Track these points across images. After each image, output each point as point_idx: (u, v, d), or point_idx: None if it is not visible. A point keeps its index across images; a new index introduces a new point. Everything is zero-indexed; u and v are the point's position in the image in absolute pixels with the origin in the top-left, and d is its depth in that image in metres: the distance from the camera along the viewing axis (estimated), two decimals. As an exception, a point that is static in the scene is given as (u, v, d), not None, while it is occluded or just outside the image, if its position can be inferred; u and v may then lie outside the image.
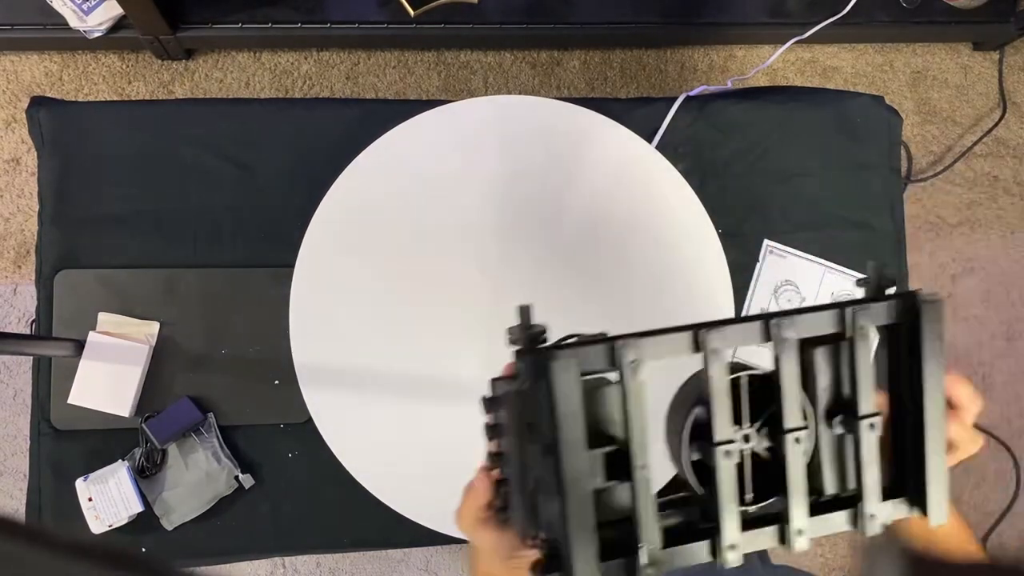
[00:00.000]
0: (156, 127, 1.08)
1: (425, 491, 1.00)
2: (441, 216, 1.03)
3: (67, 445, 1.02)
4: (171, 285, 1.05)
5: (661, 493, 0.55)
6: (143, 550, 1.02)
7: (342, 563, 1.52)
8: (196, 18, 1.49)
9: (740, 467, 0.52)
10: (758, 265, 1.12)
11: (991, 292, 1.67)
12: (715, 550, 0.52)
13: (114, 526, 1.00)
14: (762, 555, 0.93)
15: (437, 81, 1.64)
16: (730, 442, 0.51)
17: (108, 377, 1.01)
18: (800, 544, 0.53)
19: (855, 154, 1.14)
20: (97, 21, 1.44)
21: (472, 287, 1.01)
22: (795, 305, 1.11)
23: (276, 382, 1.04)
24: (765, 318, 0.53)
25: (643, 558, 0.51)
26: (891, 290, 0.61)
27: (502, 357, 0.58)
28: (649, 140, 1.10)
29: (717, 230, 1.06)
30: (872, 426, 0.54)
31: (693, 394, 0.53)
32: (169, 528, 1.01)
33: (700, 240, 1.04)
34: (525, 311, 0.54)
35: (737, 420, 0.52)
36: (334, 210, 1.01)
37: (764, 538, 0.53)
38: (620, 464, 0.51)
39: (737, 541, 0.52)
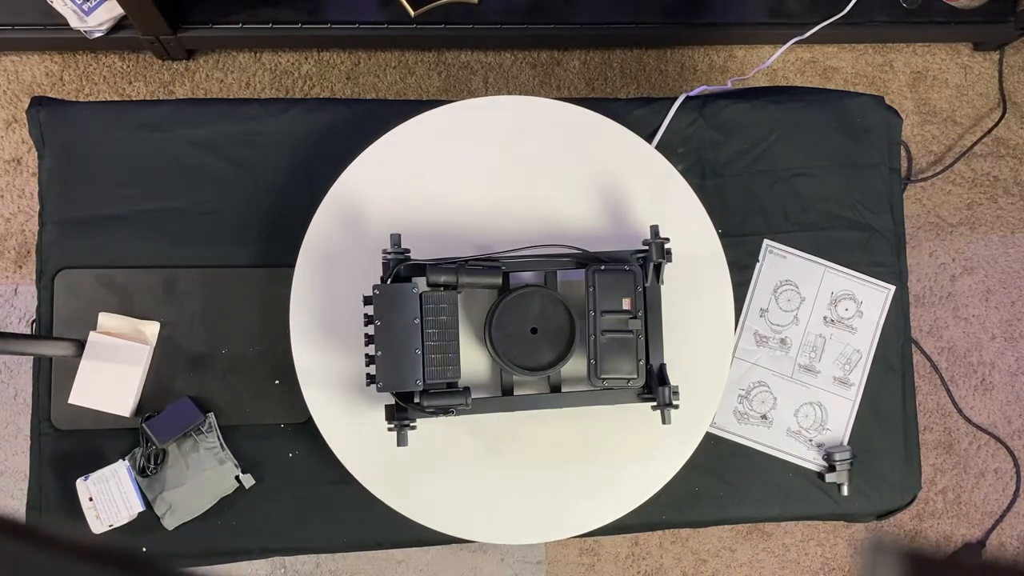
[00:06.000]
0: (156, 127, 1.08)
1: (425, 491, 1.00)
2: (441, 216, 1.03)
3: (67, 445, 1.03)
4: (171, 285, 1.05)
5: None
6: (143, 550, 1.03)
7: (342, 563, 1.52)
8: (196, 18, 1.49)
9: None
10: (758, 265, 1.12)
11: (991, 292, 1.67)
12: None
13: (115, 526, 1.00)
14: None
15: (437, 81, 1.64)
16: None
17: (108, 377, 1.01)
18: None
19: (855, 154, 1.14)
20: (97, 21, 1.44)
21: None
22: (795, 305, 1.11)
23: (276, 382, 1.04)
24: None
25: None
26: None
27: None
28: (649, 140, 1.10)
29: (717, 230, 1.06)
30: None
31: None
32: (170, 528, 1.01)
33: (700, 240, 1.04)
34: (394, 237, 0.94)
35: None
36: (334, 210, 1.01)
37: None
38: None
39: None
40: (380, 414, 0.93)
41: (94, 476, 1.00)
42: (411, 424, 0.92)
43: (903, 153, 1.66)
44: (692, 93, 1.14)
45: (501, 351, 0.94)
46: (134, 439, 1.02)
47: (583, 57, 1.66)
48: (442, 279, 0.91)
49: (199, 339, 1.04)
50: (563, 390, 0.98)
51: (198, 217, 1.07)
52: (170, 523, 1.01)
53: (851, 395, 1.11)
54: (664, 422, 0.94)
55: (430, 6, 1.50)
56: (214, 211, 1.07)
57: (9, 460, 1.51)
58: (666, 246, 0.94)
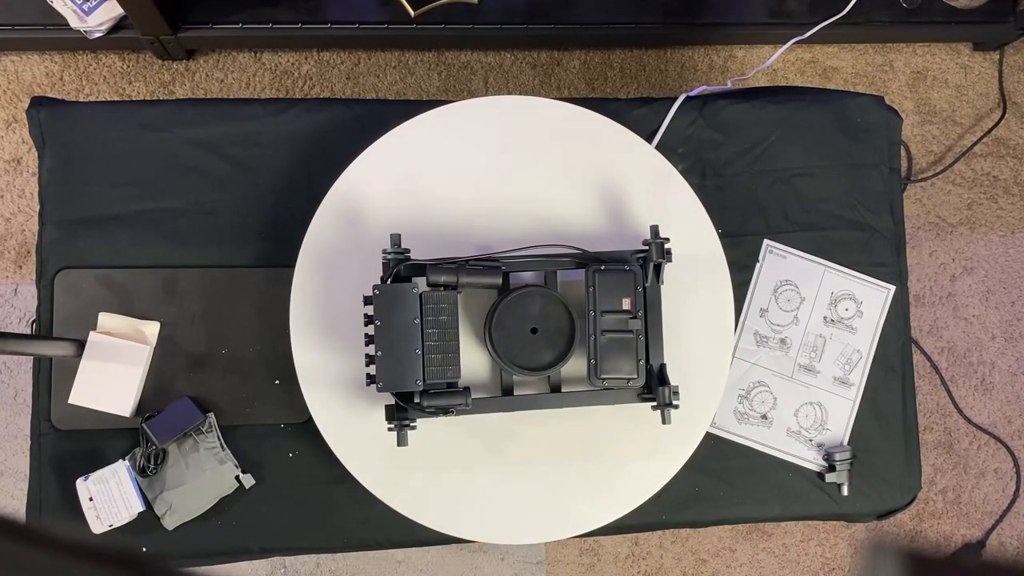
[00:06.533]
0: (157, 127, 1.08)
1: (425, 491, 1.00)
2: (441, 216, 1.03)
3: (67, 445, 1.03)
4: (171, 285, 1.05)
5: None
6: (143, 550, 1.03)
7: (342, 563, 1.52)
8: (197, 18, 1.49)
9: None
10: (758, 265, 1.12)
11: (991, 292, 1.67)
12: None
13: (115, 526, 1.00)
14: None
15: (437, 81, 1.64)
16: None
17: (108, 377, 1.01)
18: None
19: (855, 154, 1.14)
20: (98, 21, 1.44)
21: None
22: (795, 305, 1.11)
23: (276, 382, 1.04)
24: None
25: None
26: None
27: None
28: (649, 140, 1.10)
29: (717, 230, 1.06)
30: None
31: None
32: (170, 528, 1.01)
33: (700, 240, 1.04)
34: (394, 237, 0.94)
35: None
36: (334, 210, 1.01)
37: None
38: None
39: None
40: (380, 414, 0.93)
41: (94, 476, 1.00)
42: (411, 424, 0.92)
43: (903, 153, 1.66)
44: (692, 93, 1.14)
45: (501, 351, 0.94)
46: (134, 439, 1.02)
47: (583, 57, 1.66)
48: (442, 279, 0.91)
49: (199, 339, 1.04)
50: (563, 390, 0.98)
51: (198, 217, 1.07)
52: (170, 523, 1.01)
53: (851, 395, 1.11)
54: (664, 422, 0.94)
55: (430, 6, 1.50)
56: (214, 211, 1.07)
57: (9, 460, 1.51)
58: (666, 246, 0.94)
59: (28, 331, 1.47)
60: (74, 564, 0.28)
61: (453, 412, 0.92)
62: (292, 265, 1.01)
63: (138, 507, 1.00)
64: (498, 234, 1.02)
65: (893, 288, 1.13)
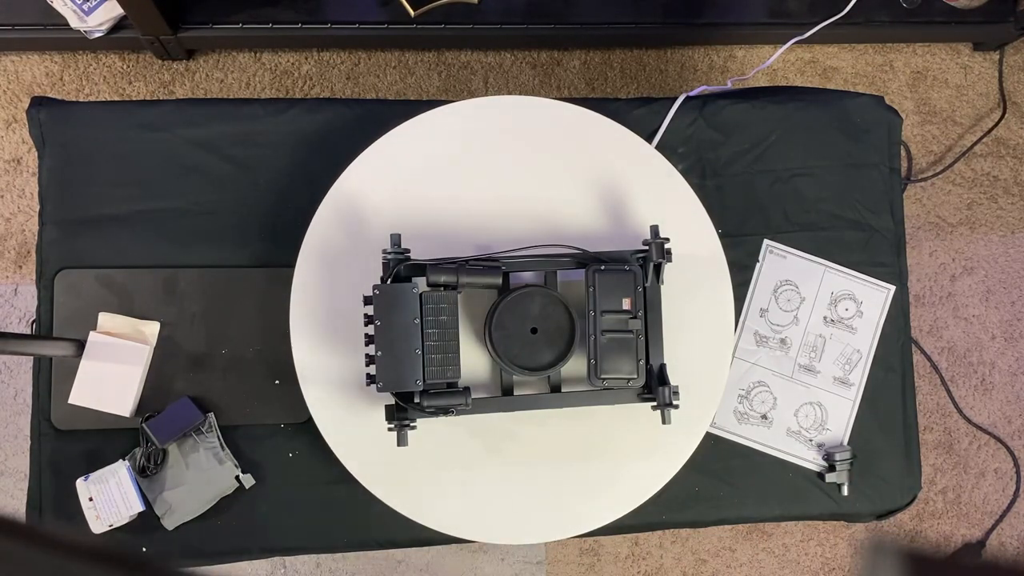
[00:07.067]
0: (157, 127, 1.08)
1: (425, 491, 1.00)
2: (441, 216, 1.03)
3: (67, 445, 1.03)
4: (171, 285, 1.05)
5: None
6: (143, 550, 1.03)
7: (342, 563, 1.52)
8: (197, 18, 1.49)
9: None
10: (758, 265, 1.12)
11: (991, 292, 1.67)
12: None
13: (115, 526, 1.00)
14: None
15: (437, 81, 1.64)
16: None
17: (108, 377, 1.01)
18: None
19: (855, 154, 1.14)
20: (98, 21, 1.44)
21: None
22: (795, 305, 1.11)
23: (276, 382, 1.04)
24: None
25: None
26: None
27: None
28: (649, 140, 1.10)
29: (717, 230, 1.06)
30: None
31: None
32: (170, 528, 1.01)
33: (700, 240, 1.04)
34: (394, 237, 0.94)
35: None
36: (334, 210, 1.01)
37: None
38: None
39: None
40: (380, 414, 0.93)
41: (94, 476, 1.00)
42: (411, 424, 0.92)
43: (903, 153, 1.66)
44: (692, 93, 1.14)
45: (501, 351, 0.94)
46: (134, 439, 1.02)
47: (583, 57, 1.66)
48: (442, 279, 0.91)
49: (199, 339, 1.04)
50: (563, 390, 0.98)
51: (198, 217, 1.07)
52: (170, 523, 1.01)
53: (851, 395, 1.11)
54: (664, 422, 0.94)
55: (430, 6, 1.50)
56: (214, 211, 1.07)
57: (9, 460, 1.51)
58: (666, 246, 0.94)
59: (28, 331, 1.47)
60: (74, 564, 0.28)
61: (453, 412, 0.92)
62: (292, 265, 1.01)
63: (138, 507, 1.00)
64: (498, 234, 1.02)
65: (893, 288, 1.13)
